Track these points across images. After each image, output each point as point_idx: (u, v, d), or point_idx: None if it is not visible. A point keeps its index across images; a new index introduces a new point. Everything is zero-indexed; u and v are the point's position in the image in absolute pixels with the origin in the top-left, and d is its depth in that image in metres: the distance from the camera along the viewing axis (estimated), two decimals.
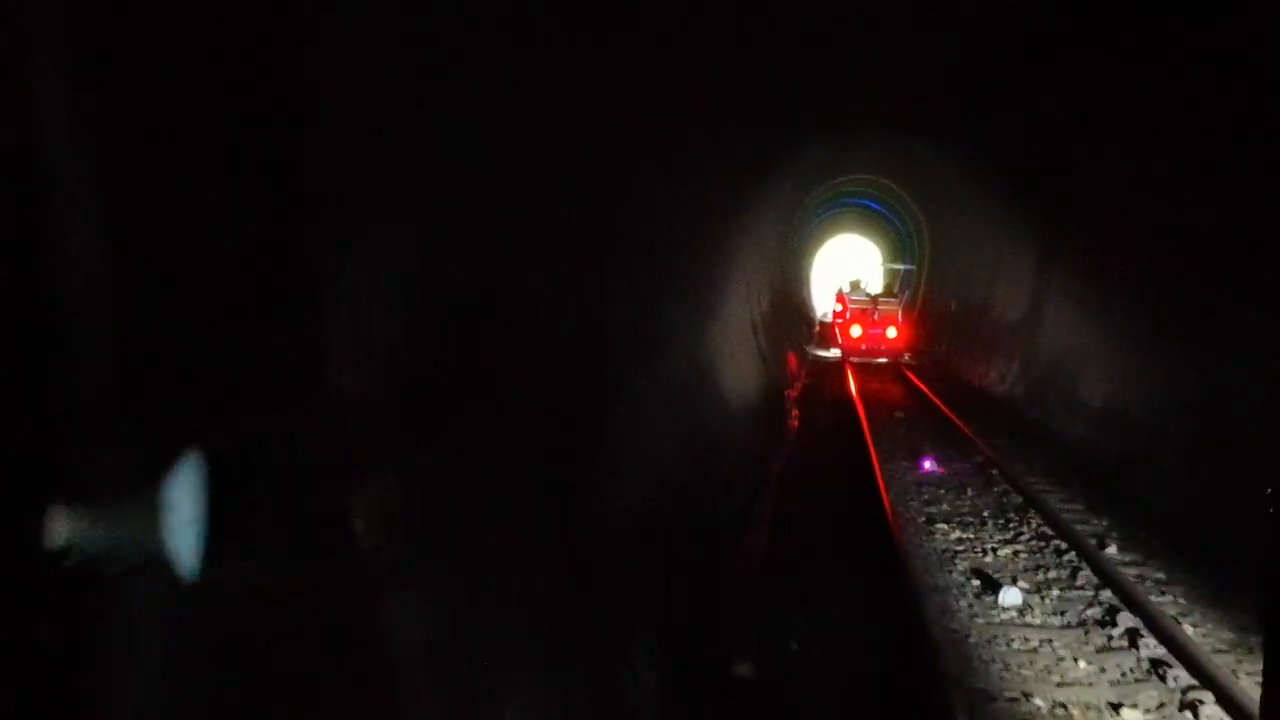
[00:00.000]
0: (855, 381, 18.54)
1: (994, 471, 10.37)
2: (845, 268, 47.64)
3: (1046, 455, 11.25)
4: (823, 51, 12.17)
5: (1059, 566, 7.13)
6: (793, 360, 21.23)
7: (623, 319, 5.97)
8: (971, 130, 18.68)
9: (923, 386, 17.90)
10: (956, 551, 7.45)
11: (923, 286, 32.50)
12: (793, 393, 16.09)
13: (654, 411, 7.08)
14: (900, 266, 35.37)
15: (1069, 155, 13.89)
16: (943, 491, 9.55)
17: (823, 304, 44.14)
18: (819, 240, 46.04)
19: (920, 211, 31.12)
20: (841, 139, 21.87)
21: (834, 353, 26.71)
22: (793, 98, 13.70)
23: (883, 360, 24.36)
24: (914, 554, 7.32)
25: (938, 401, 15.67)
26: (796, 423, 13.28)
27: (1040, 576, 6.88)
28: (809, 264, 45.49)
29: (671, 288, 8.57)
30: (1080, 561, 7.18)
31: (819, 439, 12.14)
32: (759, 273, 18.53)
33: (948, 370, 21.34)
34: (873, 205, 36.30)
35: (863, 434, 12.03)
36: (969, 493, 9.52)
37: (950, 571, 6.95)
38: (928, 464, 10.67)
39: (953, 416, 13.92)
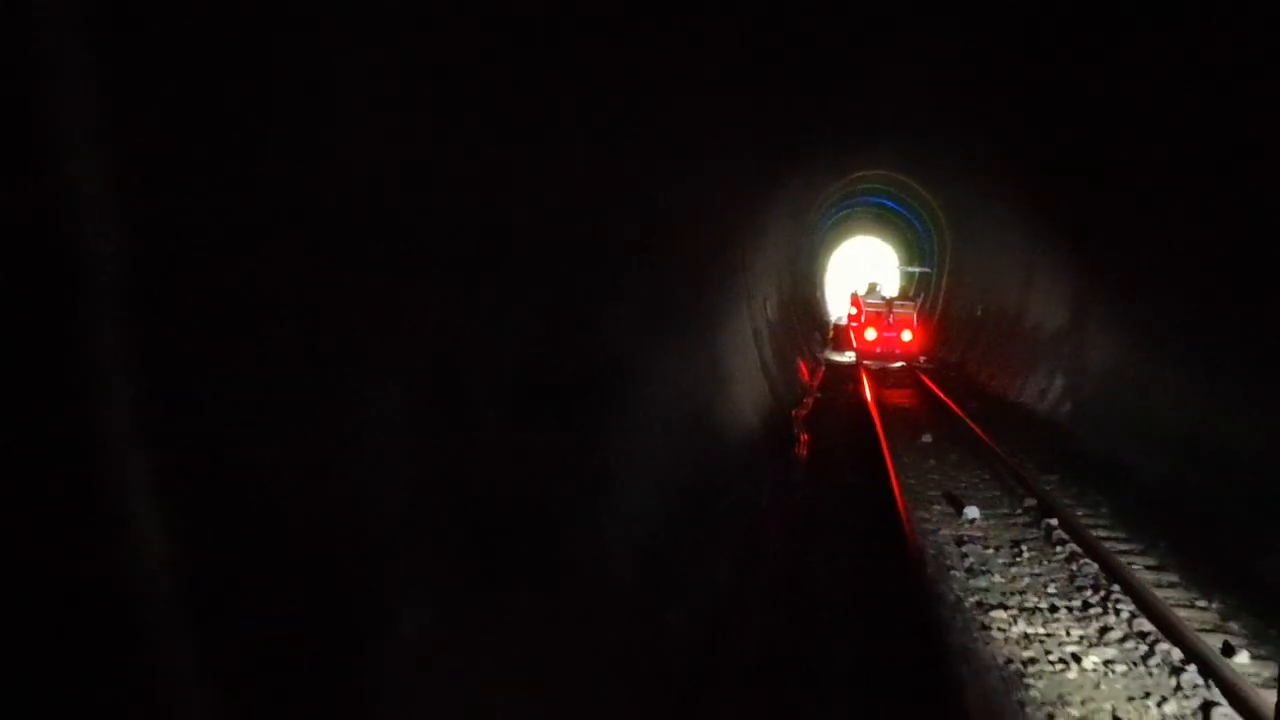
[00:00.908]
0: (873, 394, 16.25)
1: (1052, 521, 8.06)
2: (860, 270, 45.45)
3: (1114, 498, 8.95)
4: (833, 36, 11.06)
5: (1181, 694, 4.85)
6: (804, 370, 18.96)
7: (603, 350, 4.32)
8: (997, 121, 16.65)
9: (948, 401, 15.60)
10: (1025, 665, 5.17)
11: (943, 289, 30.18)
12: (802, 411, 13.83)
13: (625, 463, 4.92)
14: (915, 269, 34.09)
15: (1118, 138, 11.61)
16: (990, 552, 7.27)
17: (837, 308, 42.06)
18: (833, 242, 43.83)
19: (940, 210, 28.81)
20: (855, 132, 19.82)
21: (849, 356, 25.69)
22: (801, 88, 12.51)
23: (898, 364, 23.54)
24: (963, 668, 5.06)
25: (969, 421, 13.37)
26: (805, 450, 11.03)
27: (1159, 713, 4.62)
28: (823, 267, 43.27)
29: (666, 308, 6.48)
30: (1208, 684, 4.91)
31: (831, 476, 9.88)
32: (765, 277, 16.29)
33: (975, 382, 19.00)
34: (889, 204, 34.05)
35: (885, 467, 9.76)
36: (1024, 554, 7.23)
37: (1024, 705, 4.68)
38: (969, 511, 8.38)
39: (991, 443, 11.64)
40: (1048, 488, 9.40)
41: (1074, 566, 6.90)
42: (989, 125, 17.45)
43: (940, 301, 30.47)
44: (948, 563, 6.95)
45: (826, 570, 6.60)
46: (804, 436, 11.84)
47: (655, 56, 6.12)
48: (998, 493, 9.42)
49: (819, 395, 16.45)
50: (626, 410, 5.35)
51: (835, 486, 9.37)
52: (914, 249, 37.36)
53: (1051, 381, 14.44)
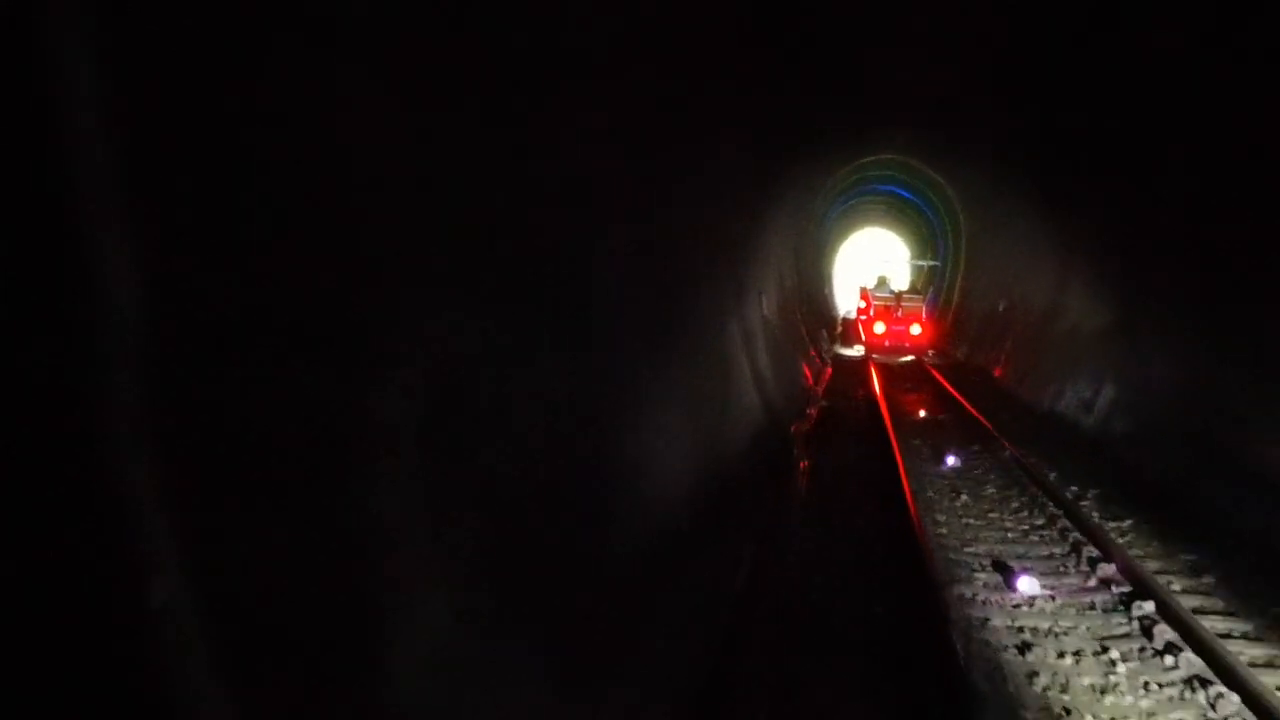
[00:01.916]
0: (887, 402, 13.83)
1: (1146, 607, 5.64)
2: (870, 264, 43.03)
3: (1217, 561, 6.52)
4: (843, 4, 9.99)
5: None
6: (807, 374, 16.55)
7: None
8: (1025, 99, 14.33)
9: (973, 410, 13.18)
10: None
11: (958, 283, 27.72)
12: (804, 426, 11.43)
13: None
14: (924, 263, 32.70)
15: (1186, 102, 9.28)
16: (1069, 662, 4.88)
17: (846, 302, 39.72)
18: (842, 234, 41.44)
19: (957, 198, 26.34)
20: (867, 112, 17.49)
21: (857, 350, 24.58)
22: (808, 61, 11.35)
23: (908, 359, 22.72)
24: None
25: (1003, 440, 10.96)
26: (805, 481, 8.64)
27: None
28: (831, 259, 40.85)
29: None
30: None
31: (835, 524, 7.49)
32: (763, 269, 13.90)
33: (999, 387, 16.53)
34: (901, 192, 31.61)
35: (906, 510, 7.38)
36: (1119, 667, 4.82)
37: None
38: (1024, 585, 5.99)
39: (1035, 471, 9.23)
40: (1122, 540, 7.01)
41: (1203, 698, 4.50)
42: (1016, 104, 15.17)
43: (956, 296, 28.01)
44: (1011, 686, 4.56)
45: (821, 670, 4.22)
46: (803, 463, 9.46)
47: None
48: (1057, 549, 7.00)
49: (824, 404, 14.03)
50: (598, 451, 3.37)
51: (840, 538, 6.99)
52: (925, 241, 35.01)
53: (1098, 391, 12.00)
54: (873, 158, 25.20)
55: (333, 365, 2.06)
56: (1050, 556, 6.81)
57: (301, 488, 1.88)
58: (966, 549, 6.90)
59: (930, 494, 8.59)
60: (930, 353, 23.82)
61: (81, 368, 1.35)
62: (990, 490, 8.90)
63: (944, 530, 7.38)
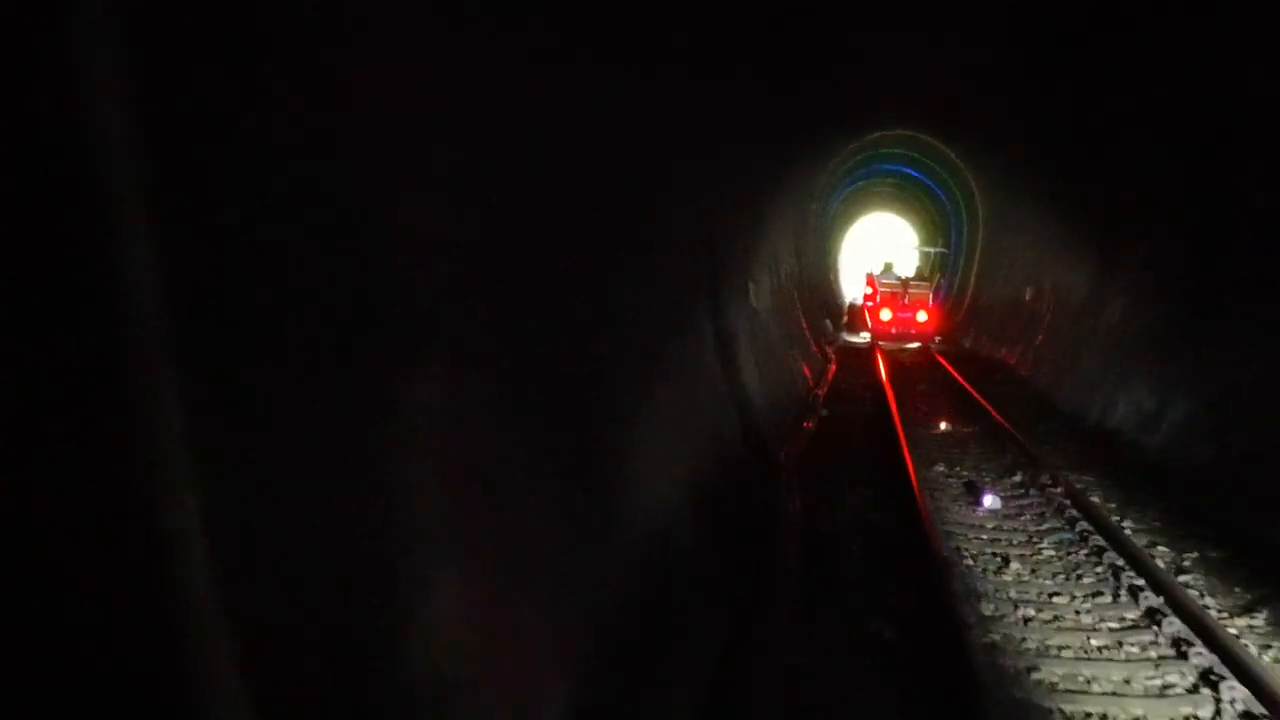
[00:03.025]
0: (901, 411, 11.28)
1: None
2: (877, 249, 40.46)
3: None
4: None
5: None
6: (807, 373, 14.01)
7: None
8: (1059, 71, 12.03)
9: (1005, 423, 10.65)
10: None
11: (975, 269, 25.12)
12: (795, 448, 8.91)
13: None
14: (932, 249, 31.27)
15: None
16: None
17: (852, 290, 37.19)
18: (848, 218, 38.85)
19: (974, 177, 23.71)
20: (876, 82, 15.07)
21: (863, 337, 24.09)
22: (808, 33, 9.78)
23: (914, 345, 22.29)
24: None
25: (1051, 469, 8.44)
26: (796, 542, 6.11)
27: None
28: (836, 244, 38.26)
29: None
30: None
31: (835, 620, 4.97)
32: (753, 256, 11.39)
33: (1032, 389, 13.95)
34: (911, 173, 29.00)
35: (937, 607, 4.90)
36: None
37: None
38: None
39: (1105, 521, 6.69)
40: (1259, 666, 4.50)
41: None
42: (1048, 74, 12.70)
43: (971, 283, 25.41)
44: None
45: None
46: (793, 500, 6.94)
47: None
48: (1175, 675, 4.48)
49: (824, 413, 11.50)
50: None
51: (849, 647, 4.50)
52: (935, 226, 32.48)
53: (1164, 403, 9.43)
54: (882, 133, 22.63)
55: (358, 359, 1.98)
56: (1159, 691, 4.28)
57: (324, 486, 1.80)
58: (1033, 677, 4.37)
59: (967, 560, 6.08)
60: (936, 339, 22.95)
61: (108, 366, 1.31)
62: (1047, 551, 6.37)
63: (996, 635, 4.86)
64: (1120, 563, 5.96)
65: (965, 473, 8.68)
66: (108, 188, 1.30)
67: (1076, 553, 6.32)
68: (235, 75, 1.64)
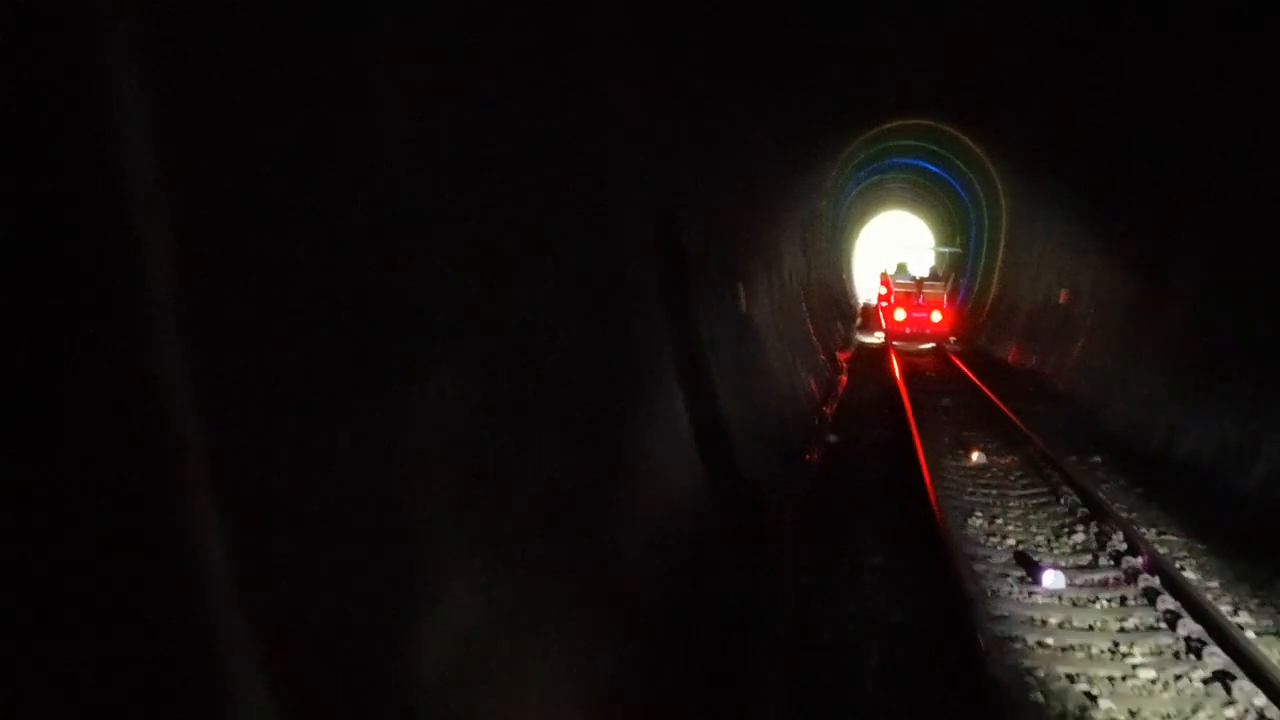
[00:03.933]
0: (923, 435, 9.28)
1: None
2: (892, 249, 38.47)
3: None
4: None
5: None
6: (813, 388, 12.02)
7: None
8: (1096, 54, 10.19)
9: (1052, 454, 8.65)
10: None
11: (998, 268, 23.04)
12: (791, 494, 6.90)
13: None
14: (947, 249, 30.28)
15: None
16: None
17: (866, 291, 35.27)
18: (862, 216, 36.88)
19: (998, 170, 21.63)
20: (888, 67, 13.13)
21: (878, 337, 23.54)
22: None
23: (929, 345, 21.76)
24: None
25: (1122, 525, 6.43)
26: (780, 681, 4.12)
27: None
28: (850, 243, 36.25)
29: None
30: None
31: None
32: (750, 254, 9.42)
33: (1074, 408, 11.88)
34: (928, 167, 26.96)
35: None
36: None
37: None
38: None
39: (1235, 641, 4.68)
40: None
41: None
42: (1083, 56, 10.77)
43: (993, 284, 23.32)
44: None
45: None
46: (783, 595, 4.94)
47: None
48: None
49: (832, 439, 9.49)
50: None
51: None
52: (953, 223, 30.53)
53: (1259, 435, 7.37)
54: (895, 124, 20.57)
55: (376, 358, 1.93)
56: None
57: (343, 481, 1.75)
58: None
59: (1034, 695, 4.07)
60: (951, 339, 22.46)
61: (123, 366, 1.28)
62: (1144, 671, 4.32)
63: None
64: (1260, 701, 3.95)
65: (1011, 528, 6.66)
66: (121, 187, 1.27)
67: (1188, 675, 4.29)
68: (241, 73, 1.59)
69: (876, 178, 28.97)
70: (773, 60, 8.70)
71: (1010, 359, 17.49)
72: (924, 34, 12.03)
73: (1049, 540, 6.37)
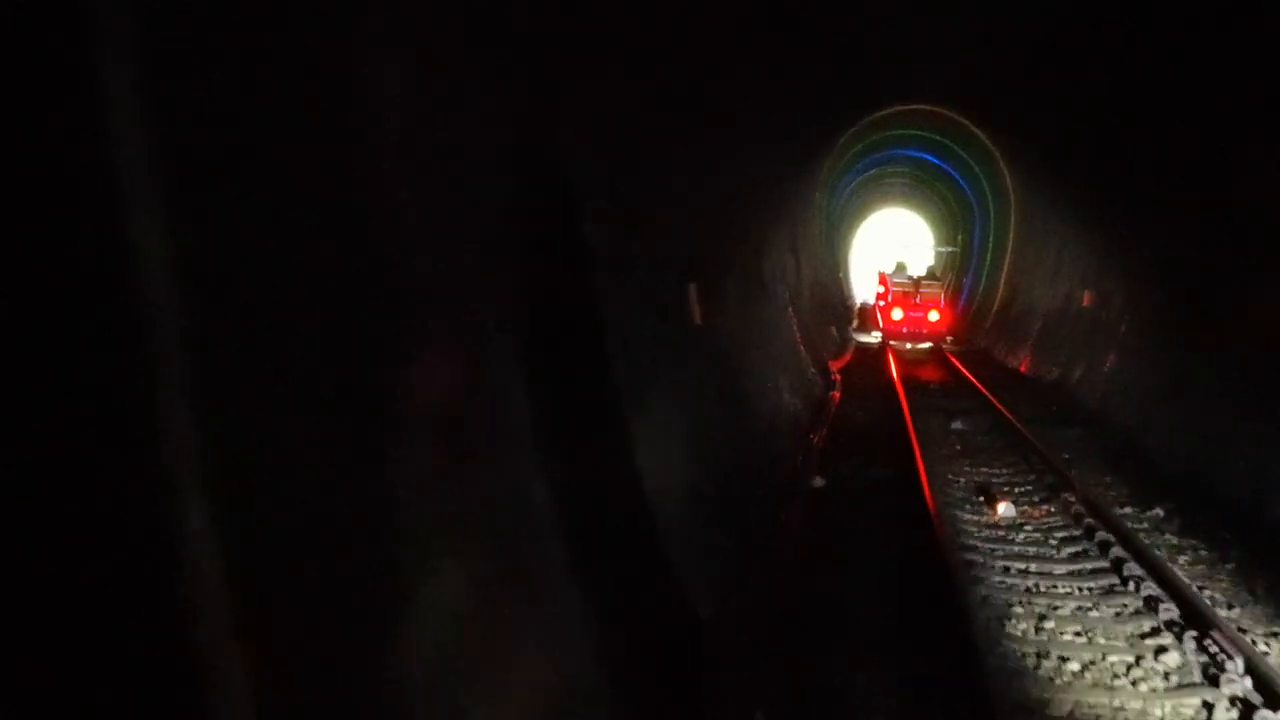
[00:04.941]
0: (934, 481, 7.20)
1: None
2: (889, 248, 36.50)
3: None
4: None
5: None
6: (799, 410, 9.89)
7: None
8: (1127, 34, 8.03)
9: (1092, 502, 6.56)
10: None
11: (1006, 268, 20.95)
12: (746, 601, 4.80)
13: None
14: (946, 249, 29.58)
15: None
16: None
17: (863, 292, 33.37)
18: (858, 214, 34.91)
19: (1006, 161, 19.53)
20: (889, 46, 11.09)
21: (875, 336, 23.21)
22: None
23: (926, 345, 21.40)
24: None
25: (1225, 632, 4.33)
26: None
27: None
28: (846, 241, 34.22)
29: None
30: None
31: None
32: (715, 248, 7.31)
33: (1109, 434, 9.73)
34: (929, 158, 24.95)
35: None
36: None
37: None
38: None
39: None
40: None
41: None
42: (1109, 37, 8.74)
43: (1000, 285, 21.22)
44: None
45: None
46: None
47: None
48: None
49: (818, 483, 7.39)
50: None
51: None
52: (955, 219, 28.63)
53: None
54: (895, 109, 18.52)
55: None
56: None
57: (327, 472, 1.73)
58: None
59: None
60: (948, 339, 22.19)
61: (119, 367, 1.25)
62: None
63: None
64: None
65: (1068, 637, 4.53)
66: (119, 187, 1.25)
67: None
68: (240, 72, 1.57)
69: (875, 170, 27.02)
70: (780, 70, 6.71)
71: (1024, 369, 15.37)
72: (931, 9, 10.03)
73: (1129, 668, 4.24)
